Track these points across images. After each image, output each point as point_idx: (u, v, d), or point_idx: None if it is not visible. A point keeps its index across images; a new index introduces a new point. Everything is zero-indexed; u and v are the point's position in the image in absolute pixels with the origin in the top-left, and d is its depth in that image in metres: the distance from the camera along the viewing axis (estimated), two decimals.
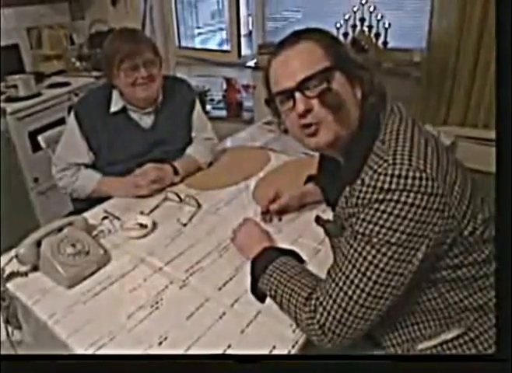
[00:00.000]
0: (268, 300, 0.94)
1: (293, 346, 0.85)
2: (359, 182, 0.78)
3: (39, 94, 2.53)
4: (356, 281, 0.76)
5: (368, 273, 0.74)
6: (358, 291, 0.75)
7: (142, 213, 1.32)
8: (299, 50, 0.84)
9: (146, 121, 1.57)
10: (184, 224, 1.26)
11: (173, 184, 1.50)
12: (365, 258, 0.75)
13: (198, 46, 3.44)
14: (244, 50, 3.19)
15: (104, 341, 0.88)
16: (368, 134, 0.82)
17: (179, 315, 0.94)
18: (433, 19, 2.40)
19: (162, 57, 1.57)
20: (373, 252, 0.74)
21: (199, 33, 3.50)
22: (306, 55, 0.83)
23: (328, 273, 0.82)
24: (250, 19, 3.18)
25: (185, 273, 1.07)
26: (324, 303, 0.78)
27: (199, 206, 1.35)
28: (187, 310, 0.95)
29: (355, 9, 2.46)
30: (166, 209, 1.37)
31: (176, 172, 1.51)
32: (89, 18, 3.35)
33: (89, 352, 0.85)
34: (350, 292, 0.76)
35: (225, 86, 3.21)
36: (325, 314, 0.77)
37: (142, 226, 1.25)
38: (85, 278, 1.06)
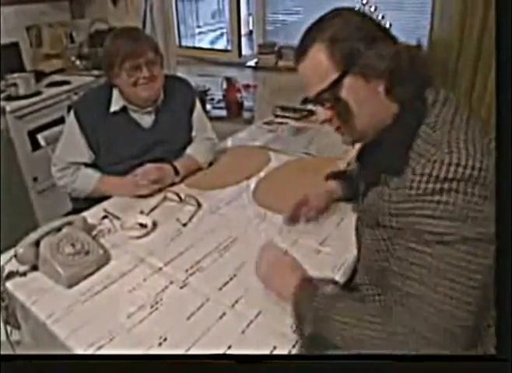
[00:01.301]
0: (268, 300, 0.94)
1: (294, 346, 0.84)
2: (409, 170, 0.73)
3: (39, 93, 2.52)
4: (441, 289, 0.68)
5: (450, 276, 0.68)
6: (447, 300, 0.68)
7: (141, 212, 1.31)
8: (308, 63, 0.82)
9: (146, 120, 1.57)
10: (184, 224, 1.26)
11: (173, 184, 1.50)
12: (442, 260, 0.68)
13: (199, 45, 3.44)
14: (245, 50, 3.19)
15: (104, 341, 0.87)
16: (410, 120, 0.79)
17: (179, 316, 0.94)
18: (433, 18, 2.39)
19: (163, 56, 1.56)
20: (449, 250, 0.68)
21: (200, 33, 3.50)
22: (314, 69, 0.82)
23: (398, 289, 0.74)
24: (251, 18, 3.18)
25: (185, 273, 1.07)
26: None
27: (199, 205, 1.34)
28: (188, 310, 0.95)
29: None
30: (166, 209, 1.36)
31: (176, 171, 1.50)
32: (89, 16, 3.34)
33: (89, 352, 0.84)
34: (437, 303, 0.69)
35: (225, 86, 3.20)
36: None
37: (142, 226, 1.24)
38: (84, 278, 1.05)
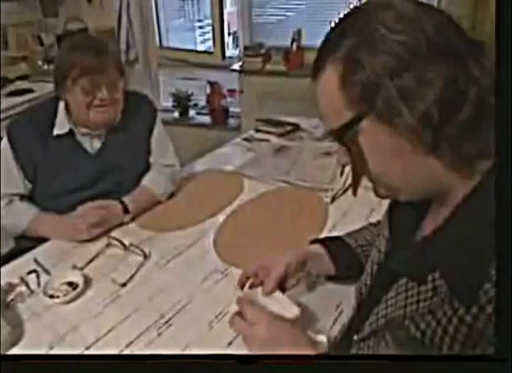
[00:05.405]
0: None
1: None
2: None
3: None
4: None
5: None
6: None
7: (74, 267, 1.07)
8: (320, 89, 0.60)
9: (93, 144, 1.32)
10: (123, 284, 1.02)
11: (122, 224, 1.25)
12: None
13: (181, 46, 3.16)
14: (230, 52, 2.94)
15: None
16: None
17: None
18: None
19: (126, 77, 1.32)
20: None
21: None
22: (327, 99, 0.59)
23: None
24: (236, 17, 2.92)
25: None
26: None
27: (146, 256, 1.10)
28: None
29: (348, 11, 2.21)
30: (106, 260, 1.12)
31: (126, 209, 1.26)
32: (62, 15, 3.09)
33: None
34: None
35: (208, 90, 2.96)
36: None
37: (72, 285, 1.01)
38: None
